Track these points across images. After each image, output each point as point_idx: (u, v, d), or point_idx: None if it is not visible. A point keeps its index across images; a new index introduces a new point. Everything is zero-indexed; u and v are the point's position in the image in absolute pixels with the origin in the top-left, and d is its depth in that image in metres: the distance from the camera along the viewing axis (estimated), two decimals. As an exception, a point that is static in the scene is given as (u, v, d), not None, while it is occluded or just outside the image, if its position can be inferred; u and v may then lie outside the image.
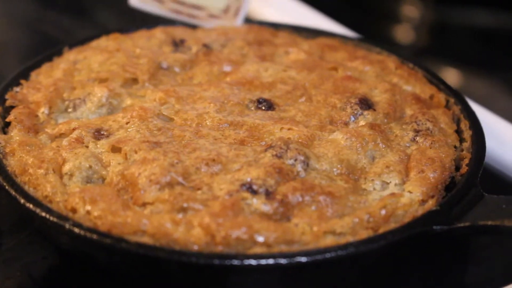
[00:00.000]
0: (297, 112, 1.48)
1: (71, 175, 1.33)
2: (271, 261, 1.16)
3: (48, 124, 1.47)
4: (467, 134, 1.47)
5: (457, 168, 1.40)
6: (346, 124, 1.47)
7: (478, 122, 1.49)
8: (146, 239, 1.20)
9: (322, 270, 1.22)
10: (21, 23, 2.37)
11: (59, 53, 1.69)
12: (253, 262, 1.16)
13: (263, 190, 1.27)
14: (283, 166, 1.31)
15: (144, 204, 1.26)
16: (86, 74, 1.60)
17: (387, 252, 1.27)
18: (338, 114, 1.49)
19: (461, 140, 1.48)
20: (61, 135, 1.43)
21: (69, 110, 1.51)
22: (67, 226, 1.20)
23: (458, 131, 1.50)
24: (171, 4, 1.81)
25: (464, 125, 1.50)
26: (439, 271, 1.39)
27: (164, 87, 1.55)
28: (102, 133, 1.42)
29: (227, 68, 1.64)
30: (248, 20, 1.85)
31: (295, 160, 1.33)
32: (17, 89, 1.55)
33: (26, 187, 1.30)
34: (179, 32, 1.77)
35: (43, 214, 1.23)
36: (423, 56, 1.77)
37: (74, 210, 1.25)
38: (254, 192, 1.26)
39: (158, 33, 1.76)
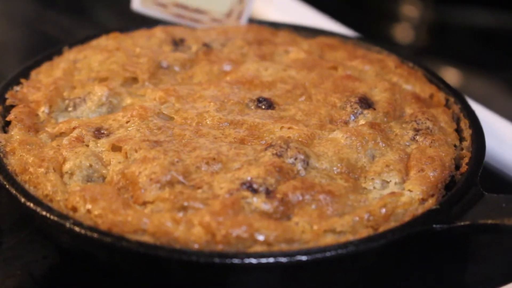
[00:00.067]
0: (297, 111, 1.48)
1: (72, 174, 1.33)
2: (271, 259, 1.16)
3: (49, 123, 1.47)
4: (467, 133, 1.47)
5: (457, 167, 1.40)
6: (346, 123, 1.47)
7: (478, 121, 1.49)
8: (146, 238, 1.20)
9: (322, 269, 1.23)
10: (21, 23, 2.37)
11: (59, 52, 1.69)
12: (253, 260, 1.16)
13: (263, 189, 1.27)
14: (283, 165, 1.31)
15: (144, 203, 1.26)
16: (86, 73, 1.60)
17: (387, 251, 1.27)
18: (338, 113, 1.49)
19: (461, 139, 1.48)
20: (62, 134, 1.43)
21: (69, 109, 1.51)
22: (67, 225, 1.20)
23: (458, 130, 1.50)
24: (174, 8, 1.82)
25: (464, 124, 1.50)
26: (439, 270, 1.39)
27: (164, 86, 1.55)
28: (102, 132, 1.42)
29: (227, 67, 1.64)
30: (248, 20, 1.85)
31: (295, 159, 1.33)
32: (17, 88, 1.55)
33: (26, 186, 1.31)
34: (179, 32, 1.77)
35: (44, 213, 1.23)
36: (423, 56, 1.77)
37: (74, 209, 1.26)
38: (254, 191, 1.27)
39: (158, 32, 1.76)
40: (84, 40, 1.74)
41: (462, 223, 1.25)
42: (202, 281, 1.22)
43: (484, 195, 1.30)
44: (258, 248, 1.19)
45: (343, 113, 1.49)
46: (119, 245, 1.18)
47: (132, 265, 1.24)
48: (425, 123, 1.47)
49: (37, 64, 1.64)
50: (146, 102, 1.49)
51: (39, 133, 1.43)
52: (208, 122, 1.44)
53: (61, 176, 1.33)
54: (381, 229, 1.24)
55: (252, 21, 1.87)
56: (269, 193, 1.27)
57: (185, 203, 1.25)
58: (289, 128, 1.42)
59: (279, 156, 1.33)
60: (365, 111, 1.49)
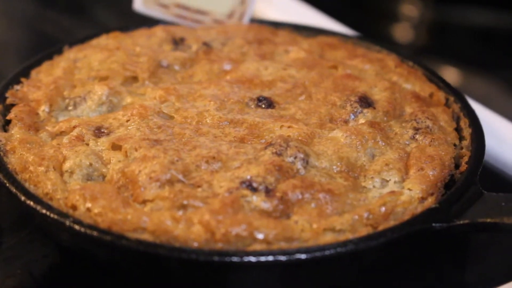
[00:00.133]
0: (297, 110, 1.49)
1: (72, 173, 1.33)
2: (270, 258, 1.16)
3: (49, 122, 1.47)
4: (467, 132, 1.48)
5: (457, 166, 1.40)
6: (346, 122, 1.48)
7: (478, 120, 1.49)
8: (146, 236, 1.20)
9: (322, 267, 1.23)
10: (20, 23, 2.37)
11: (59, 51, 1.69)
12: (252, 259, 1.16)
13: (262, 187, 1.27)
14: (283, 164, 1.32)
15: (144, 202, 1.26)
16: (86, 73, 1.60)
17: (387, 250, 1.27)
18: (338, 112, 1.49)
19: (461, 138, 1.48)
20: (62, 133, 1.43)
21: (70, 108, 1.51)
22: (67, 223, 1.21)
23: (458, 129, 1.50)
24: (176, 9, 1.82)
25: (464, 123, 1.50)
26: (439, 270, 1.39)
27: (164, 85, 1.55)
28: (102, 131, 1.42)
29: (227, 66, 1.65)
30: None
31: (295, 157, 1.34)
32: (17, 87, 1.55)
33: (26, 185, 1.31)
34: (179, 31, 1.77)
35: (44, 211, 1.23)
36: (422, 55, 1.77)
37: (74, 207, 1.26)
38: (254, 190, 1.27)
39: (159, 31, 1.76)
40: (84, 39, 1.74)
41: (461, 222, 1.25)
42: (201, 279, 1.22)
43: (484, 194, 1.30)
44: (257, 247, 1.19)
45: (343, 112, 1.49)
46: (118, 244, 1.18)
47: (131, 263, 1.25)
48: (425, 122, 1.47)
49: (38, 63, 1.64)
50: (146, 101, 1.49)
51: (39, 132, 1.43)
52: (208, 121, 1.44)
53: (61, 174, 1.33)
54: (381, 228, 1.24)
55: (253, 20, 1.87)
56: (268, 192, 1.27)
57: (185, 202, 1.25)
58: (289, 127, 1.42)
59: (279, 155, 1.33)
60: (365, 110, 1.49)
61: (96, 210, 1.24)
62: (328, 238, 1.23)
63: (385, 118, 1.49)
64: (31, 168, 1.33)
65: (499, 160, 1.66)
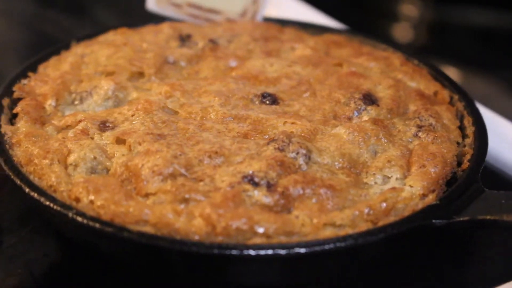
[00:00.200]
0: (301, 107, 1.49)
1: (76, 166, 1.34)
2: (270, 251, 1.17)
3: (55, 116, 1.49)
4: (470, 130, 1.48)
5: (460, 164, 1.41)
6: (350, 119, 1.48)
7: (482, 119, 1.50)
8: (148, 229, 1.22)
9: (321, 262, 1.24)
10: (20, 23, 2.37)
11: (67, 47, 1.71)
12: (252, 252, 1.17)
13: (264, 182, 1.28)
14: (285, 159, 1.32)
15: (147, 195, 1.28)
16: (93, 68, 1.62)
17: (387, 246, 1.28)
18: (341, 109, 1.50)
19: (464, 136, 1.49)
20: (68, 127, 1.44)
21: (76, 102, 1.53)
22: (70, 215, 1.22)
23: (461, 127, 1.51)
24: (188, 8, 1.83)
25: (467, 121, 1.51)
26: (439, 268, 1.39)
27: (170, 81, 1.56)
28: (107, 125, 1.43)
29: (233, 63, 1.66)
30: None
31: (297, 153, 1.34)
32: (25, 81, 1.57)
33: (31, 177, 1.32)
34: (186, 28, 1.78)
35: (47, 203, 1.24)
36: (422, 55, 1.77)
37: (77, 200, 1.27)
38: (256, 184, 1.28)
39: (166, 28, 1.77)
40: (92, 35, 1.76)
41: (461, 219, 1.26)
42: (201, 272, 1.24)
43: (485, 191, 1.31)
44: (257, 240, 1.20)
45: (346, 109, 1.50)
46: (120, 235, 1.19)
47: (133, 256, 1.26)
48: (428, 120, 1.48)
49: (45, 58, 1.65)
50: (152, 96, 1.51)
51: (45, 126, 1.45)
52: (212, 117, 1.45)
53: (66, 167, 1.34)
54: (381, 224, 1.25)
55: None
56: (270, 187, 1.28)
57: (187, 195, 1.26)
58: (292, 123, 1.43)
59: (281, 150, 1.34)
60: (369, 108, 1.50)
61: (99, 203, 1.25)
62: (328, 233, 1.23)
63: (388, 116, 1.50)
64: (36, 161, 1.34)
65: (499, 160, 1.67)
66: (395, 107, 1.51)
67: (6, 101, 1.49)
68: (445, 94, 1.60)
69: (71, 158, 1.35)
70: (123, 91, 1.53)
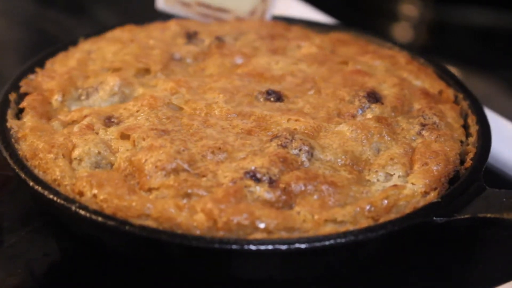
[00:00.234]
0: (305, 104, 1.50)
1: (80, 160, 1.35)
2: (270, 246, 1.18)
3: (61, 111, 1.50)
4: (474, 129, 1.48)
5: (463, 162, 1.41)
6: (354, 116, 1.49)
7: (486, 118, 1.50)
8: (150, 223, 1.23)
9: (321, 258, 1.24)
10: (20, 22, 2.38)
11: (74, 43, 1.72)
12: (252, 247, 1.18)
13: (266, 178, 1.29)
14: (288, 156, 1.33)
15: (149, 189, 1.29)
16: (100, 64, 1.63)
17: (388, 243, 1.28)
18: (346, 107, 1.50)
19: (468, 135, 1.49)
20: (73, 122, 1.45)
21: (82, 98, 1.54)
22: (73, 208, 1.23)
23: (465, 126, 1.51)
24: (197, 7, 1.84)
25: (472, 120, 1.51)
26: (440, 267, 1.39)
27: (176, 78, 1.57)
28: (112, 120, 1.44)
29: (238, 60, 1.66)
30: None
31: (300, 150, 1.35)
32: (32, 76, 1.58)
33: (36, 171, 1.33)
34: (193, 25, 1.79)
35: (51, 196, 1.26)
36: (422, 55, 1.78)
37: (81, 194, 1.28)
38: (258, 180, 1.29)
39: (173, 25, 1.78)
40: (99, 31, 1.77)
41: (462, 216, 1.26)
42: (202, 266, 1.25)
43: (486, 189, 1.31)
44: (258, 236, 1.21)
45: (351, 107, 1.50)
46: (122, 229, 1.20)
47: (134, 250, 1.27)
48: (432, 118, 1.48)
49: (53, 54, 1.67)
50: (157, 92, 1.51)
51: (51, 121, 1.46)
52: (216, 113, 1.46)
53: (70, 162, 1.35)
54: (382, 220, 1.25)
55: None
56: (272, 183, 1.29)
57: (189, 191, 1.27)
58: (296, 120, 1.43)
59: (284, 147, 1.35)
60: (373, 105, 1.50)
61: (102, 197, 1.26)
62: (329, 229, 1.24)
63: (392, 114, 1.50)
64: (41, 155, 1.35)
65: (500, 160, 1.66)
66: (399, 105, 1.52)
67: (13, 96, 1.50)
68: (449, 92, 1.60)
69: (76, 153, 1.36)
70: (129, 87, 1.54)
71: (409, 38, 2.52)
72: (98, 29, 1.78)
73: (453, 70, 1.67)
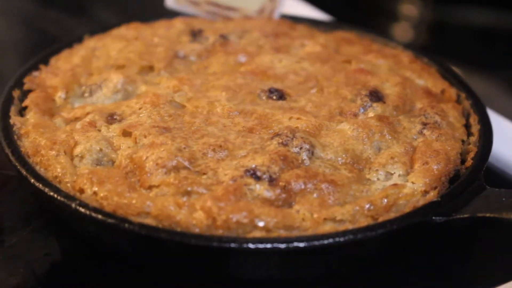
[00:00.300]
0: (307, 103, 1.50)
1: (82, 157, 1.36)
2: (269, 245, 1.18)
3: (64, 108, 1.51)
4: (475, 128, 1.48)
5: (464, 161, 1.41)
6: (356, 115, 1.49)
7: (487, 117, 1.50)
8: (149, 221, 1.23)
9: (320, 256, 1.24)
10: (20, 22, 2.38)
11: (79, 40, 1.73)
12: (251, 245, 1.18)
13: (266, 176, 1.29)
14: (288, 154, 1.33)
15: (150, 187, 1.29)
16: (104, 61, 1.64)
17: (387, 242, 1.28)
18: (348, 106, 1.50)
19: (469, 134, 1.49)
20: (76, 119, 1.46)
21: (86, 95, 1.54)
22: (73, 205, 1.24)
23: (467, 126, 1.51)
24: (206, 6, 1.85)
25: (473, 119, 1.51)
26: (440, 266, 1.39)
27: (179, 75, 1.58)
28: (115, 117, 1.45)
29: (242, 58, 1.67)
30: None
31: (300, 148, 1.35)
32: (36, 73, 1.59)
33: (37, 168, 1.34)
34: (198, 23, 1.80)
35: (51, 193, 1.26)
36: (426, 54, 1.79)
37: (81, 191, 1.29)
38: (258, 178, 1.29)
39: (178, 23, 1.79)
40: (104, 29, 1.78)
41: (461, 216, 1.26)
42: (201, 264, 1.25)
43: (486, 189, 1.31)
44: (257, 234, 1.22)
45: (353, 105, 1.50)
46: (121, 227, 1.21)
47: (134, 248, 1.27)
48: (434, 117, 1.48)
49: (57, 51, 1.68)
50: (160, 90, 1.52)
51: (54, 118, 1.47)
52: (218, 111, 1.46)
53: (72, 159, 1.36)
54: (381, 219, 1.26)
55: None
56: (272, 181, 1.29)
57: (189, 188, 1.28)
58: (297, 118, 1.43)
59: (285, 145, 1.35)
60: (375, 104, 1.50)
61: (102, 194, 1.27)
62: (328, 227, 1.24)
63: (394, 113, 1.50)
64: (43, 151, 1.36)
65: (500, 160, 1.66)
66: (401, 104, 1.51)
67: (16, 93, 1.51)
68: (452, 92, 1.60)
69: (77, 150, 1.37)
70: (132, 85, 1.55)
71: (409, 38, 2.52)
72: (103, 26, 1.78)
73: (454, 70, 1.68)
